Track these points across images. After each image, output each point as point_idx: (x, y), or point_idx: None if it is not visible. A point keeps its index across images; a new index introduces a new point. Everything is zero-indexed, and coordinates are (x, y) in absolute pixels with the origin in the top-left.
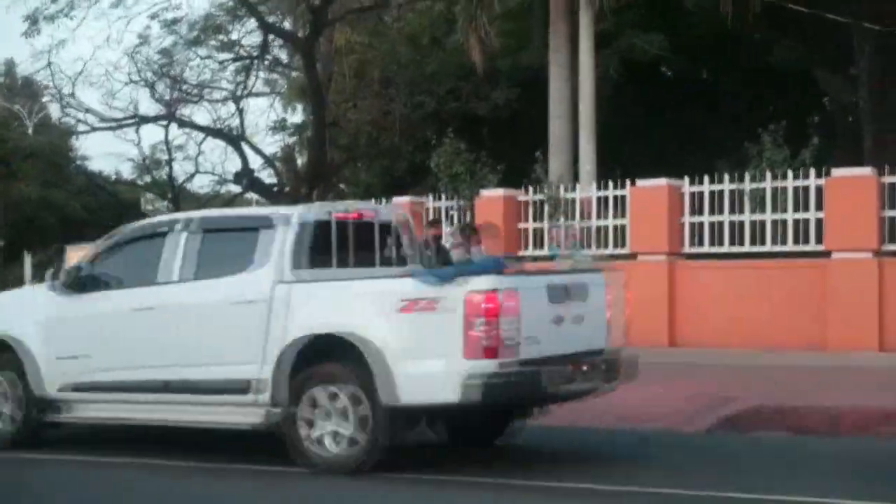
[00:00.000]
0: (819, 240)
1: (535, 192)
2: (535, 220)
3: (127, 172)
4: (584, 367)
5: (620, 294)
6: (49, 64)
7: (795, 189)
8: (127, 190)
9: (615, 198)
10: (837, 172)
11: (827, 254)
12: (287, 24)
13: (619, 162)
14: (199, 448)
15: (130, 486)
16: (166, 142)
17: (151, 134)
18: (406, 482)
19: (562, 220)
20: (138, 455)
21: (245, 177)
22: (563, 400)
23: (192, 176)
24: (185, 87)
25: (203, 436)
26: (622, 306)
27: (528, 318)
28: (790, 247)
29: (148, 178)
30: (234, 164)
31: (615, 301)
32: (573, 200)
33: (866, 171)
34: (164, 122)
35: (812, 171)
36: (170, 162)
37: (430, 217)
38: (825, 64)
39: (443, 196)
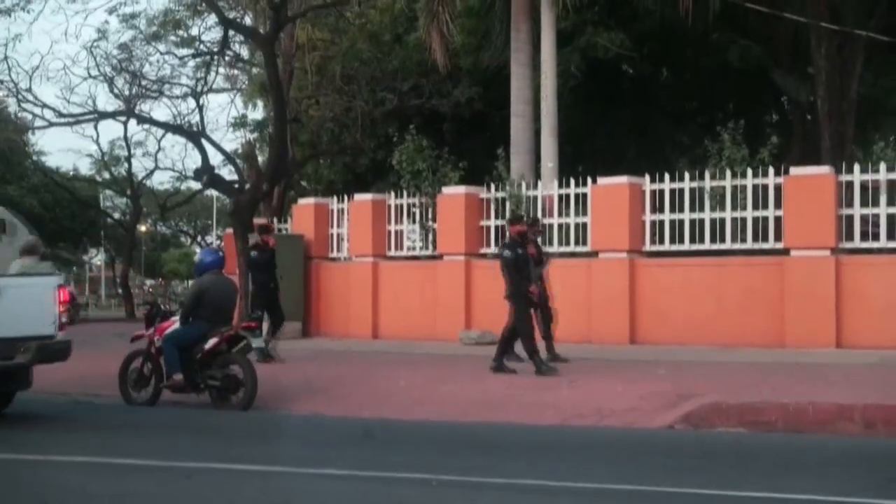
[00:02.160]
0: (778, 237)
1: (496, 189)
2: (496, 217)
3: (85, 168)
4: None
5: (54, 295)
6: (6, 58)
7: (755, 187)
8: (85, 186)
9: (577, 196)
10: (796, 171)
11: (786, 251)
12: (248, 20)
13: (580, 160)
14: (152, 447)
15: (81, 488)
16: (125, 138)
17: (110, 130)
18: None
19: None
20: (91, 454)
21: (205, 173)
22: None
23: (152, 172)
24: (144, 82)
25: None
26: (56, 304)
27: None
28: (749, 245)
29: (107, 175)
30: (195, 161)
31: (53, 299)
32: (535, 198)
33: (824, 169)
34: (123, 118)
35: (771, 170)
36: (129, 158)
37: (511, 215)
38: (783, 63)
39: (405, 193)
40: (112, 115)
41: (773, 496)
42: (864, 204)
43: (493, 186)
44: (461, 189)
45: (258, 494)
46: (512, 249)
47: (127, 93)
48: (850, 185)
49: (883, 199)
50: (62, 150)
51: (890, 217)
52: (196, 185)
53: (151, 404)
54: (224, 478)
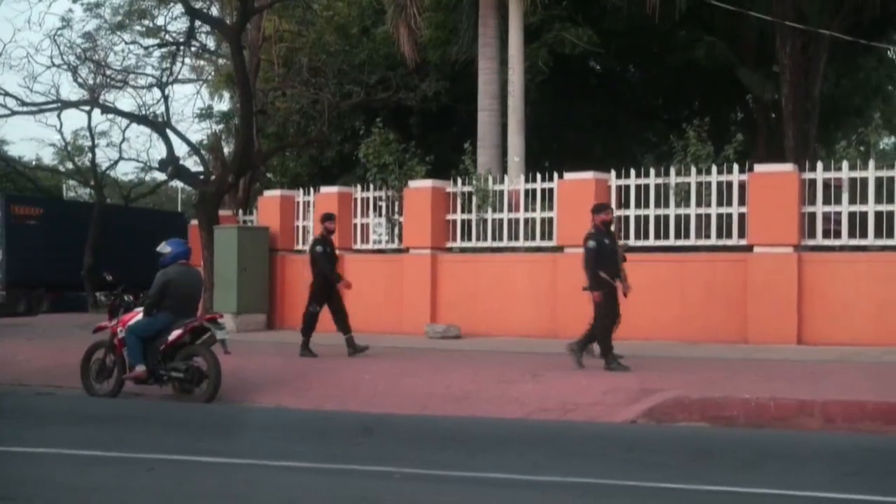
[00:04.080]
0: (742, 234)
1: (463, 183)
2: (463, 211)
3: (48, 158)
4: None
5: None
6: None
7: (719, 184)
8: (48, 176)
9: (543, 190)
10: (760, 168)
11: (749, 248)
12: (214, 11)
13: (547, 155)
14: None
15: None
16: (89, 128)
17: (74, 119)
18: None
19: None
20: (52, 446)
21: (170, 164)
22: None
23: (116, 163)
24: (108, 72)
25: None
26: None
27: None
28: (714, 241)
29: (70, 165)
30: (159, 152)
31: None
32: (501, 192)
33: (788, 167)
34: (87, 108)
35: (735, 167)
36: (93, 148)
37: (596, 204)
38: (748, 61)
39: (371, 186)
40: (76, 104)
41: (734, 490)
42: (826, 202)
43: (459, 180)
44: (428, 183)
45: (220, 487)
46: (597, 239)
47: (91, 82)
48: (812, 182)
49: (845, 197)
50: (25, 140)
51: (851, 215)
52: (161, 176)
53: (113, 396)
54: (186, 470)
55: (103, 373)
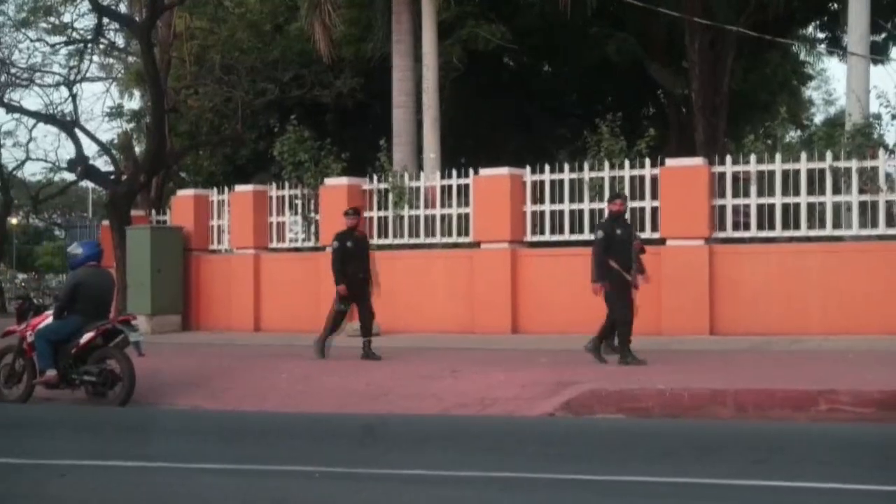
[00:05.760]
0: (655, 227)
1: (379, 180)
2: (379, 208)
3: None
4: None
5: None
6: None
7: (632, 178)
8: None
9: (459, 187)
10: (671, 163)
11: (662, 241)
12: (123, 7)
13: (462, 151)
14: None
15: None
16: None
17: None
18: None
19: None
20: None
21: (80, 164)
22: None
23: (23, 163)
24: (13, 70)
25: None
26: None
27: None
28: None
29: None
30: (68, 151)
31: None
32: (417, 189)
33: (698, 161)
34: None
35: (647, 162)
36: None
37: (614, 192)
38: (658, 57)
39: (287, 185)
40: None
41: (652, 480)
42: (735, 195)
43: (375, 178)
44: (343, 180)
45: (135, 491)
46: (605, 229)
47: None
48: (722, 176)
49: (753, 189)
50: None
51: (759, 207)
52: (70, 177)
53: (24, 401)
54: (100, 475)
55: (12, 378)
